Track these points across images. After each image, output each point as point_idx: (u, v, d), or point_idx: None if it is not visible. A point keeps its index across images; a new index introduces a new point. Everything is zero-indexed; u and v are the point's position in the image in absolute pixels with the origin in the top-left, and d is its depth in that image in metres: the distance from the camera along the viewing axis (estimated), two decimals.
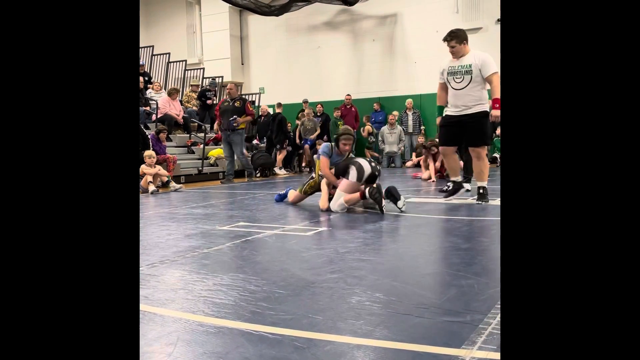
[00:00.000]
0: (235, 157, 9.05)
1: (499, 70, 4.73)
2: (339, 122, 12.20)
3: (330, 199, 4.93)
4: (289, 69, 14.88)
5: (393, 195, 4.43)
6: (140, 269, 2.64)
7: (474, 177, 5.34)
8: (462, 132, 5.00)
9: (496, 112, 4.80)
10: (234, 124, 8.57)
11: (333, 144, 5.05)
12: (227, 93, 9.16)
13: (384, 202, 4.43)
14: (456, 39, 4.89)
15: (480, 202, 4.91)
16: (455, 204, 5.00)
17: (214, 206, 5.60)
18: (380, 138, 12.38)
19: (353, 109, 12.83)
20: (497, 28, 11.42)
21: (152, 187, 7.24)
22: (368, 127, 12.54)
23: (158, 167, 7.67)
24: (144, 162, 7.45)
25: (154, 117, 10.51)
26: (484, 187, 4.97)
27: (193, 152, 10.54)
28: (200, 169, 10.11)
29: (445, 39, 4.95)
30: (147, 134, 8.58)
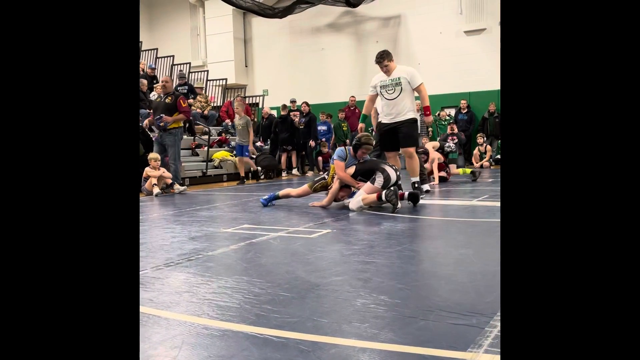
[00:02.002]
0: (171, 162, 7.79)
1: (423, 81, 5.57)
2: (342, 124, 12.21)
3: (339, 201, 5.19)
4: (292, 71, 14.89)
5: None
6: (145, 271, 2.64)
7: (409, 174, 5.78)
8: (396, 137, 5.63)
9: (428, 119, 5.68)
10: (160, 123, 7.56)
11: (346, 147, 5.18)
12: (161, 86, 8.12)
13: (399, 204, 4.61)
14: (387, 58, 5.54)
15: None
16: (458, 205, 4.99)
17: (218, 208, 5.61)
18: None
19: (357, 111, 12.82)
20: None
21: (156, 190, 7.25)
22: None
23: (162, 169, 7.68)
24: (148, 165, 7.46)
25: None
26: (417, 182, 5.65)
27: (197, 155, 10.55)
28: (205, 171, 10.12)
29: (378, 61, 5.57)
30: (151, 136, 8.59)
